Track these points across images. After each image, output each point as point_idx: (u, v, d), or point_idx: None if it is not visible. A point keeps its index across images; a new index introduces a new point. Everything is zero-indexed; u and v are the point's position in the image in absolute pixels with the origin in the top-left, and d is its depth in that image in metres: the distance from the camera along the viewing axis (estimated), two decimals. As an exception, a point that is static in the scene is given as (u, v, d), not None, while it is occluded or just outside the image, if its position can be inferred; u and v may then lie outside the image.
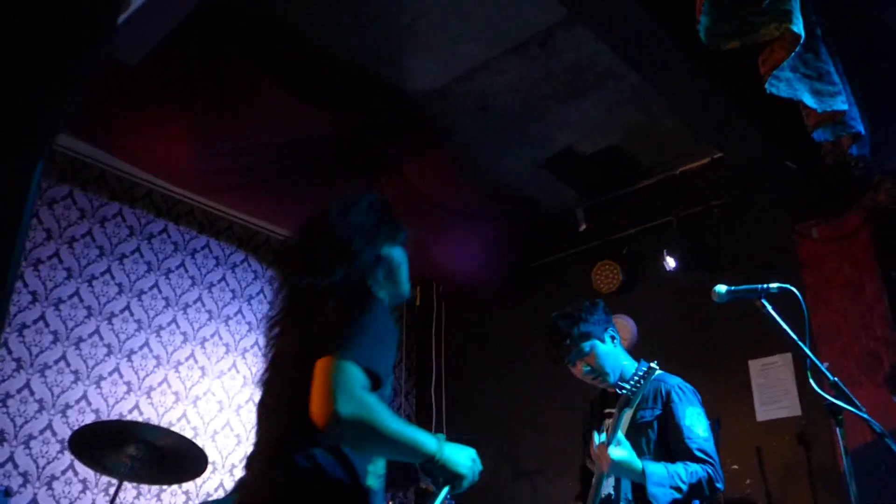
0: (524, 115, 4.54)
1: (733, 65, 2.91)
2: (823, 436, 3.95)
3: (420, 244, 5.08)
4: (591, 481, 2.76)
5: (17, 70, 1.74)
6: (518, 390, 5.42)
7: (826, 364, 2.40)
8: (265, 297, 5.16)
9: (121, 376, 4.33)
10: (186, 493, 4.39)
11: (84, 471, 3.99)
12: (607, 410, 2.96)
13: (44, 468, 3.90)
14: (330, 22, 3.82)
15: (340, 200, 2.09)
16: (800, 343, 2.35)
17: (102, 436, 3.36)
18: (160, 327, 4.58)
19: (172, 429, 4.38)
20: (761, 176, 4.13)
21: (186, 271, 4.82)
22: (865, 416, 2.26)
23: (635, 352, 3.20)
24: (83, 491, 4.01)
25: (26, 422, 3.90)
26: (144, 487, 4.21)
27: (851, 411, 2.26)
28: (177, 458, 3.42)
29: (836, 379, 2.32)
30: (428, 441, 1.76)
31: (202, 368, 4.72)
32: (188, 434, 4.46)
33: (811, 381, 2.29)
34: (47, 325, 4.09)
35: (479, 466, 1.91)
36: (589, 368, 2.95)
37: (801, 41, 2.51)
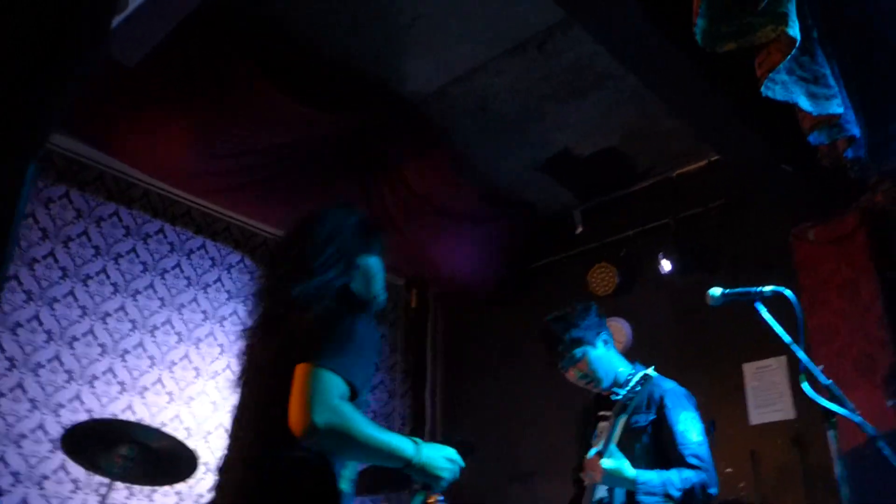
0: (522, 116, 4.54)
1: (730, 67, 2.91)
2: (818, 439, 3.93)
3: (417, 245, 5.09)
4: (585, 484, 2.75)
5: (12, 70, 1.75)
6: (515, 392, 5.41)
7: (821, 367, 2.39)
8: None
9: (114, 376, 4.31)
10: (178, 493, 4.38)
11: (75, 470, 3.98)
12: (601, 413, 2.95)
13: (35, 467, 3.89)
14: (329, 23, 3.83)
15: (319, 210, 2.12)
16: (793, 347, 2.34)
17: (95, 435, 3.36)
18: (155, 327, 4.57)
19: (165, 429, 4.36)
20: (758, 178, 4.14)
21: (182, 272, 4.80)
22: (859, 419, 2.25)
23: (631, 354, 3.19)
24: (74, 491, 3.99)
25: (18, 420, 3.88)
26: (136, 488, 4.20)
27: (844, 414, 2.25)
28: (169, 458, 3.42)
29: (829, 382, 2.31)
30: (405, 446, 1.79)
31: (196, 369, 4.71)
32: (181, 434, 4.44)
33: (803, 384, 2.28)
34: (41, 323, 4.08)
35: (460, 464, 1.94)
36: (581, 374, 2.95)
37: (798, 44, 2.51)
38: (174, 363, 4.61)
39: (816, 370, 2.33)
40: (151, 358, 4.51)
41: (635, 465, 2.65)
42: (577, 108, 4.49)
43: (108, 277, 4.44)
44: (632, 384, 2.71)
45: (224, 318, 4.95)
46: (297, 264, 1.97)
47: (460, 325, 6.00)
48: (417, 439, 1.85)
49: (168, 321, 4.65)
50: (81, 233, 4.38)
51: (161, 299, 4.65)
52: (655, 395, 2.85)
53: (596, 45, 3.51)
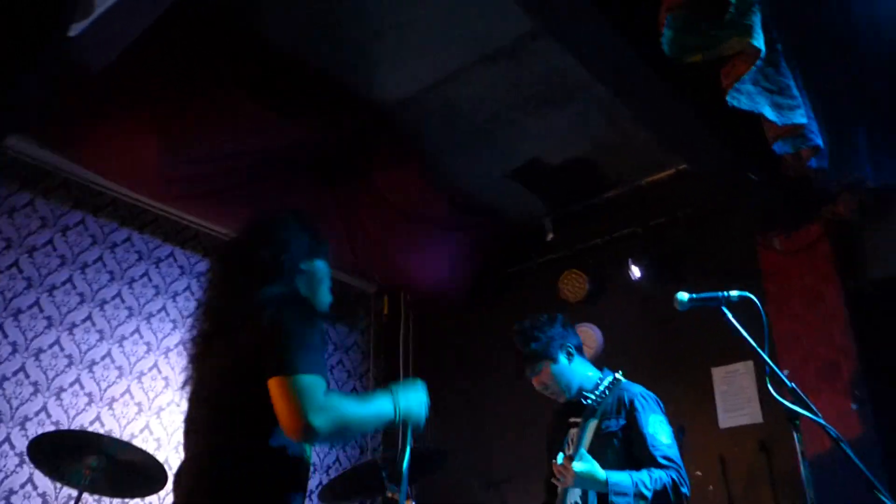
0: (493, 124, 4.57)
1: (697, 78, 2.97)
2: (784, 443, 4.00)
3: (390, 252, 5.09)
4: (557, 490, 2.77)
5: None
6: (487, 398, 5.42)
7: (786, 372, 2.45)
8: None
9: (82, 387, 4.25)
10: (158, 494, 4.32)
11: (43, 484, 3.91)
12: (572, 420, 2.98)
13: (2, 482, 3.81)
14: (300, 30, 3.81)
15: (265, 216, 2.15)
16: (758, 349, 2.39)
17: (62, 445, 3.30)
18: (122, 337, 4.51)
19: (135, 440, 4.32)
20: (725, 187, 4.21)
21: (150, 280, 4.75)
22: (822, 421, 2.30)
23: (602, 360, 3.23)
24: (42, 505, 3.92)
25: (-17, 435, 3.81)
26: (106, 501, 4.13)
27: (808, 417, 2.30)
28: (137, 471, 3.37)
29: (793, 385, 2.36)
30: (388, 409, 1.93)
31: (166, 379, 4.65)
32: (151, 445, 4.39)
33: (769, 386, 2.33)
34: (6, 335, 4.00)
35: (426, 400, 2.11)
36: (542, 386, 3.03)
37: (762, 55, 2.58)
38: (143, 373, 4.56)
39: (781, 374, 2.39)
40: (120, 368, 4.45)
41: (607, 469, 2.68)
42: (547, 118, 4.52)
43: (74, 287, 4.37)
44: (601, 389, 2.75)
45: (194, 327, 4.89)
46: (246, 271, 1.99)
47: (432, 332, 6.00)
48: (392, 391, 1.98)
49: (136, 330, 4.59)
50: (47, 242, 4.31)
51: (129, 308, 4.59)
52: (625, 399, 2.88)
53: (566, 56, 3.55)
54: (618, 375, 2.81)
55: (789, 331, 4.12)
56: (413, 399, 2.05)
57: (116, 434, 4.28)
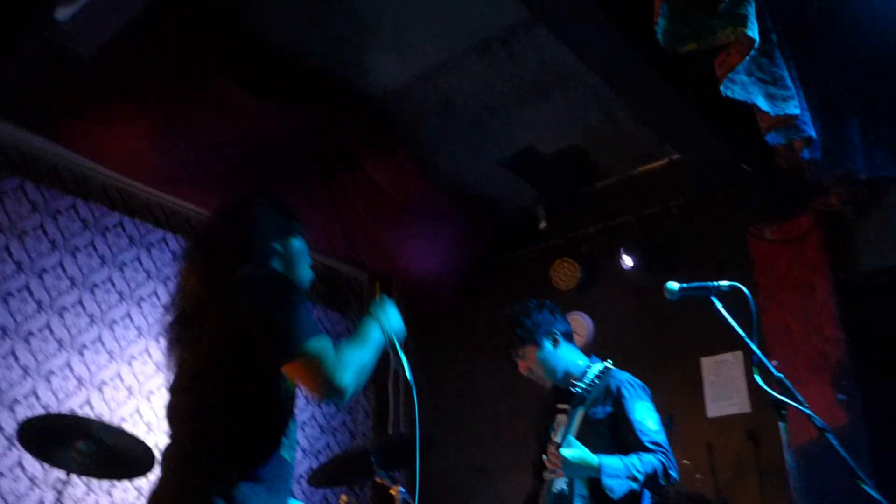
0: (486, 114, 4.56)
1: (690, 68, 2.97)
2: (772, 432, 3.98)
3: (381, 241, 5.08)
4: (544, 477, 2.79)
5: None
6: (477, 386, 5.44)
7: (775, 362, 2.46)
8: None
9: (72, 371, 4.24)
10: (139, 489, 4.33)
11: (32, 467, 3.91)
12: (559, 406, 3.00)
13: (-10, 464, 3.81)
14: (292, 18, 3.79)
15: (238, 199, 2.15)
16: (746, 339, 2.40)
17: (51, 429, 3.31)
18: (113, 321, 4.50)
19: (125, 424, 4.32)
20: (718, 177, 4.21)
21: (141, 265, 4.73)
22: (808, 411, 2.31)
23: (592, 349, 3.24)
24: (31, 488, 3.92)
25: (-28, 417, 3.80)
26: (95, 483, 4.14)
27: (795, 407, 2.32)
28: (127, 455, 3.38)
29: (780, 375, 2.38)
30: (379, 336, 2.01)
31: (157, 363, 4.65)
32: (141, 429, 4.39)
33: (757, 376, 2.34)
34: (-5, 318, 3.99)
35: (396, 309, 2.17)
36: (527, 371, 3.06)
37: (756, 45, 2.57)
38: (133, 357, 4.55)
39: (768, 363, 2.40)
40: (110, 352, 4.44)
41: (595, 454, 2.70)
42: (539, 107, 4.51)
43: (65, 271, 4.35)
44: (590, 377, 2.76)
45: (170, 312, 4.88)
46: (218, 254, 1.98)
47: (424, 320, 6.00)
48: (373, 315, 2.06)
49: (127, 315, 4.58)
50: (37, 226, 4.29)
51: (120, 293, 4.57)
52: (612, 386, 2.90)
53: (559, 46, 3.54)
54: (608, 364, 2.82)
55: (779, 321, 4.14)
56: (392, 315, 2.11)
57: (107, 418, 4.27)
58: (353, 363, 1.83)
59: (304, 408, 5.44)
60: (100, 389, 4.34)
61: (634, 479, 2.65)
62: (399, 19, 3.76)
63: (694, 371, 4.57)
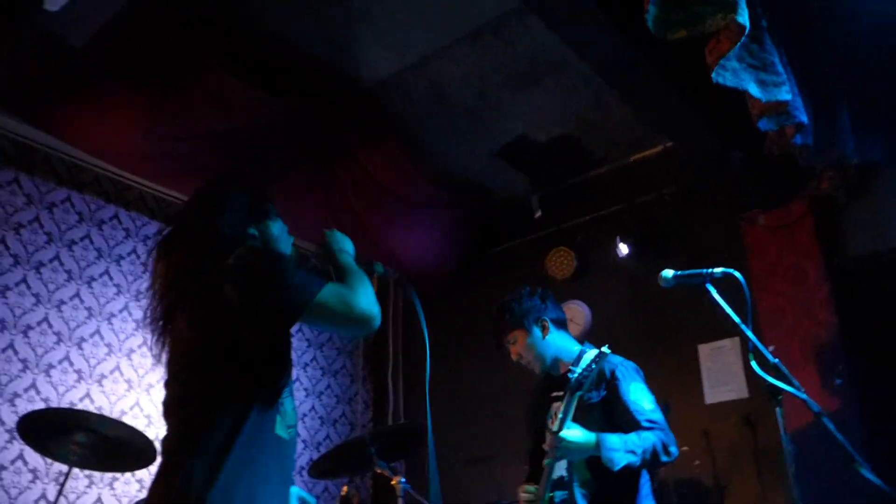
0: (478, 103, 4.56)
1: (681, 56, 2.97)
2: (769, 417, 4.01)
3: (376, 231, 5.09)
4: (542, 463, 2.80)
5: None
6: (473, 375, 5.46)
7: (771, 348, 2.48)
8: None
9: (71, 364, 4.25)
10: (140, 481, 4.35)
11: (34, 460, 3.93)
12: (554, 394, 3.02)
13: (-9, 458, 3.83)
14: (284, 9, 3.78)
15: (204, 186, 2.14)
16: (741, 325, 2.43)
17: (51, 423, 3.32)
18: (111, 314, 4.51)
19: (125, 417, 4.34)
20: (709, 165, 4.22)
21: (138, 258, 4.74)
22: (804, 396, 2.33)
23: (589, 337, 3.26)
24: (33, 480, 3.94)
25: (-28, 411, 3.82)
26: (97, 476, 4.16)
27: (790, 392, 2.34)
28: (126, 447, 3.39)
29: (776, 360, 2.40)
30: (353, 261, 2.09)
31: (158, 356, 4.65)
32: (141, 422, 4.41)
33: (752, 362, 2.36)
34: (-7, 312, 4.01)
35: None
36: (517, 357, 3.11)
37: (747, 32, 2.57)
38: (132, 350, 4.57)
39: (764, 349, 2.42)
40: (109, 346, 4.46)
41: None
42: (531, 97, 4.51)
43: (62, 264, 4.36)
44: (586, 362, 2.77)
45: (152, 304, 4.88)
46: (193, 241, 1.97)
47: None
48: (335, 249, 2.12)
49: (125, 308, 4.59)
50: (33, 219, 4.29)
51: (117, 286, 4.59)
52: (605, 371, 2.92)
53: (550, 34, 3.54)
54: (604, 350, 2.84)
55: (773, 307, 4.16)
56: (346, 242, 2.17)
57: (107, 411, 4.29)
58: (361, 291, 1.90)
59: (305, 400, 5.47)
60: (99, 382, 4.35)
61: (633, 452, 2.67)
62: (390, 8, 3.75)
63: (691, 358, 4.59)
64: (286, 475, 1.89)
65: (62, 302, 4.31)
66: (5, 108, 4.02)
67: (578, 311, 5.06)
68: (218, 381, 1.81)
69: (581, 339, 3.18)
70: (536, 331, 3.05)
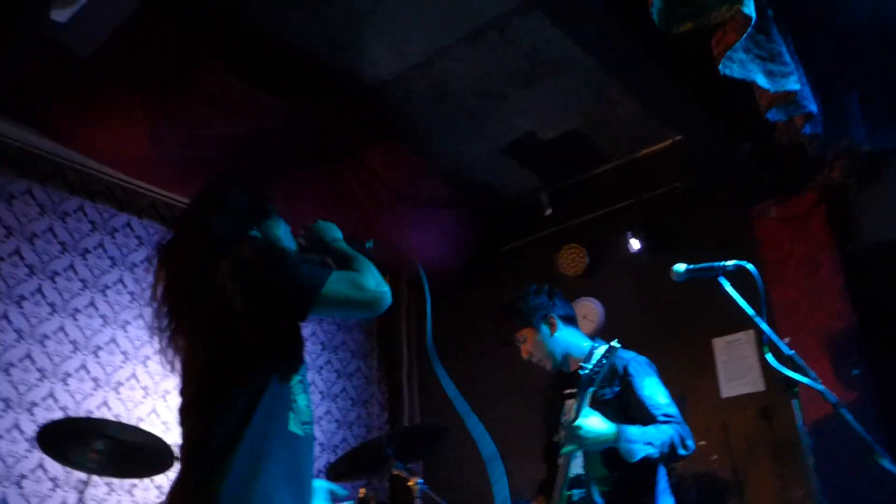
0: (484, 101, 4.55)
1: (687, 48, 2.96)
2: (786, 410, 3.99)
3: (386, 231, 5.09)
4: (558, 462, 2.80)
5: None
6: (487, 374, 5.45)
7: (787, 340, 2.46)
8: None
9: (87, 373, 4.28)
10: (159, 487, 4.37)
11: (54, 468, 3.96)
12: (567, 392, 3.01)
13: (12, 467, 3.86)
14: (287, 10, 3.79)
15: (203, 191, 2.14)
16: (755, 318, 2.41)
17: (68, 431, 3.35)
18: (126, 322, 4.54)
19: (142, 424, 4.36)
20: (719, 158, 4.20)
21: (151, 265, 4.74)
22: (821, 387, 2.32)
23: (603, 333, 3.25)
24: (53, 489, 3.97)
25: (-8, 421, 3.85)
26: (116, 483, 4.19)
27: (807, 383, 2.32)
28: (143, 452, 3.42)
29: (792, 352, 2.38)
30: (346, 245, 2.12)
31: (171, 363, 4.68)
32: (159, 428, 4.43)
33: (767, 355, 2.34)
34: (10, 322, 4.04)
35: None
36: (528, 355, 3.12)
37: (753, 22, 2.56)
38: (148, 357, 4.59)
39: (779, 341, 2.40)
40: (125, 353, 4.49)
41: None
42: (537, 93, 4.49)
43: (76, 273, 4.39)
44: (597, 358, 2.77)
45: (160, 312, 4.90)
46: (196, 244, 1.98)
47: (434, 311, 6.01)
48: (326, 238, 2.14)
49: (140, 315, 4.62)
50: (46, 229, 4.33)
51: (131, 293, 4.61)
52: (618, 366, 2.91)
53: (554, 30, 3.53)
54: (614, 344, 2.83)
55: (787, 299, 4.12)
56: (334, 231, 2.18)
57: (124, 418, 4.32)
58: (367, 272, 1.93)
59: (320, 403, 5.48)
60: (116, 390, 4.38)
61: (651, 444, 2.66)
62: (393, 8, 3.74)
63: (706, 352, 4.57)
64: (304, 472, 1.89)
65: (77, 310, 4.34)
66: (16, 120, 4.06)
67: (591, 308, 5.04)
68: (226, 382, 1.82)
69: (594, 336, 3.17)
70: (545, 328, 3.06)
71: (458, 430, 4.85)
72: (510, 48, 4.08)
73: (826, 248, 4.07)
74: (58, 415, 4.05)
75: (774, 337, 2.40)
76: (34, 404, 4.01)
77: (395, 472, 3.60)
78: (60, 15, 2.47)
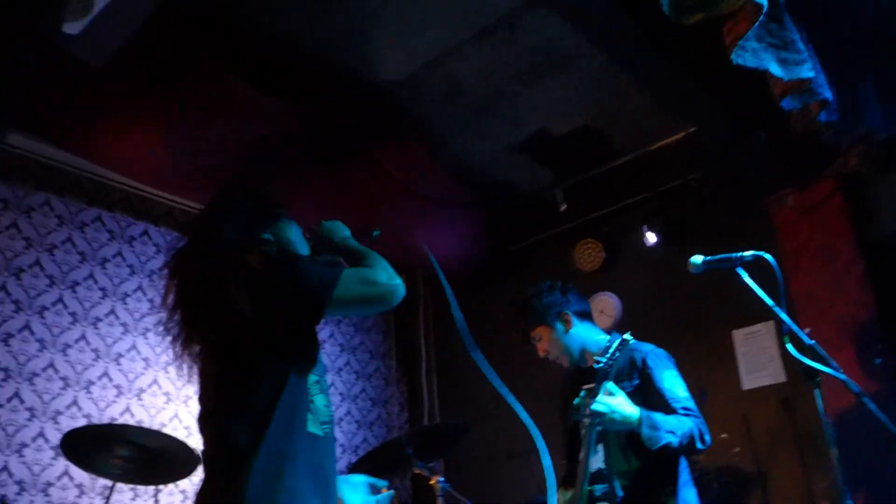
0: (496, 98, 4.53)
1: (698, 39, 2.94)
2: (808, 401, 3.96)
3: (402, 231, 5.10)
4: (578, 457, 2.80)
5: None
6: (506, 370, 5.42)
7: (807, 330, 2.44)
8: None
9: (110, 380, 4.33)
10: (184, 492, 4.41)
11: (79, 475, 4.00)
12: (586, 387, 3.01)
13: (39, 475, 3.91)
14: (296, 13, 3.80)
15: (214, 200, 2.15)
16: (775, 308, 2.39)
17: (93, 438, 3.38)
18: (146, 329, 4.58)
19: (165, 429, 4.39)
20: (734, 148, 4.16)
21: (164, 275, 4.80)
22: (843, 376, 2.30)
23: (621, 328, 3.24)
24: (79, 496, 4.02)
25: (18, 430, 3.90)
26: (141, 489, 4.23)
27: (828, 373, 2.30)
28: (167, 457, 3.45)
29: (812, 342, 2.36)
30: (355, 243, 2.15)
31: (188, 369, 4.71)
32: (181, 434, 4.47)
33: (788, 345, 2.33)
34: (32, 333, 4.08)
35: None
36: (544, 353, 3.12)
37: (765, 11, 2.54)
38: (169, 364, 4.62)
39: (799, 331, 2.38)
40: (146, 360, 4.53)
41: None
42: (550, 88, 4.47)
43: (96, 282, 4.44)
44: (611, 351, 2.77)
45: (172, 321, 4.93)
46: (209, 252, 1.98)
47: (449, 309, 6.02)
48: (335, 237, 2.16)
49: (160, 322, 4.64)
50: (66, 239, 4.38)
51: (150, 301, 4.65)
52: (637, 359, 2.91)
53: (565, 25, 3.51)
54: (626, 337, 2.83)
55: (806, 288, 4.09)
56: (341, 229, 2.20)
57: (147, 424, 4.36)
58: (378, 266, 1.96)
59: (340, 404, 5.50)
60: (138, 396, 4.42)
61: (673, 433, 2.66)
62: (401, 7, 3.74)
63: (726, 344, 4.54)
64: (327, 471, 1.91)
65: (98, 319, 4.38)
66: (31, 133, 4.11)
67: (608, 303, 5.03)
68: (243, 388, 1.83)
69: (611, 331, 3.16)
70: (559, 326, 3.06)
71: (479, 426, 4.88)
72: (521, 45, 4.06)
73: (844, 237, 4.03)
74: (82, 423, 4.09)
75: (795, 327, 2.38)
76: (58, 413, 4.06)
77: (417, 472, 3.60)
78: (73, 27, 2.49)
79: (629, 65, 3.50)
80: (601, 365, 2.76)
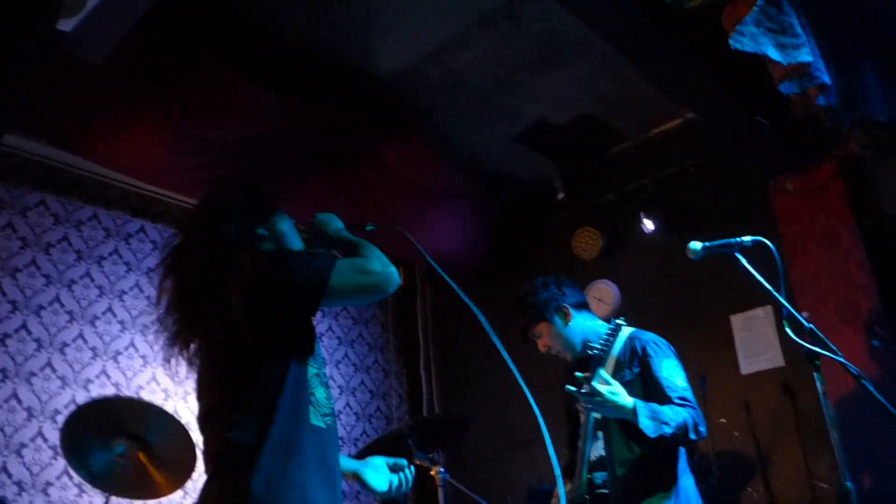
0: (496, 88, 4.52)
1: (697, 25, 2.92)
2: (808, 384, 3.96)
3: (401, 224, 5.08)
4: (577, 445, 2.79)
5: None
6: (506, 364, 5.45)
7: (805, 314, 2.43)
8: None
9: (108, 378, 4.31)
10: (184, 489, 4.40)
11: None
12: (581, 374, 3.00)
13: (38, 475, 3.89)
14: (296, 8, 3.77)
15: (207, 197, 2.13)
16: (773, 293, 2.38)
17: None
18: (144, 326, 4.56)
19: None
20: (733, 133, 4.15)
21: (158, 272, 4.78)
22: (842, 359, 2.29)
23: (620, 315, 3.23)
24: (79, 494, 4.01)
25: (16, 431, 3.88)
26: (141, 486, 4.22)
27: (828, 356, 2.30)
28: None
29: (811, 326, 2.35)
30: (348, 235, 2.16)
31: (188, 362, 4.70)
32: (180, 430, 4.46)
33: (787, 329, 2.32)
34: (29, 332, 4.07)
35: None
36: (546, 349, 3.09)
37: (763, -5, 2.53)
38: (166, 360, 4.61)
39: (798, 315, 2.37)
40: (143, 357, 4.51)
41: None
42: (549, 78, 4.46)
43: (92, 280, 4.42)
44: (605, 337, 2.78)
45: (169, 319, 4.92)
46: (203, 249, 1.97)
47: (450, 301, 6.02)
48: (330, 230, 2.16)
49: (158, 319, 4.63)
50: (62, 238, 4.35)
51: (148, 298, 4.63)
52: (637, 347, 2.90)
53: (563, 13, 3.49)
54: (619, 321, 2.82)
55: (806, 273, 4.09)
56: (334, 221, 2.20)
57: (146, 421, 4.35)
58: (372, 256, 1.96)
59: (339, 397, 5.50)
60: (136, 393, 4.41)
61: (667, 424, 2.65)
62: (399, 1, 3.72)
63: (724, 329, 4.55)
64: (332, 462, 1.91)
65: (95, 317, 4.36)
66: (28, 133, 4.08)
67: (606, 291, 5.03)
68: (244, 386, 1.83)
69: (609, 318, 3.15)
70: (558, 320, 3.04)
71: (483, 416, 4.88)
72: (521, 33, 4.04)
73: (845, 221, 4.03)
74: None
75: (793, 311, 2.38)
76: (57, 412, 4.04)
77: (418, 462, 3.59)
78: (66, 24, 2.46)
79: (630, 51, 3.47)
80: (595, 352, 2.76)
